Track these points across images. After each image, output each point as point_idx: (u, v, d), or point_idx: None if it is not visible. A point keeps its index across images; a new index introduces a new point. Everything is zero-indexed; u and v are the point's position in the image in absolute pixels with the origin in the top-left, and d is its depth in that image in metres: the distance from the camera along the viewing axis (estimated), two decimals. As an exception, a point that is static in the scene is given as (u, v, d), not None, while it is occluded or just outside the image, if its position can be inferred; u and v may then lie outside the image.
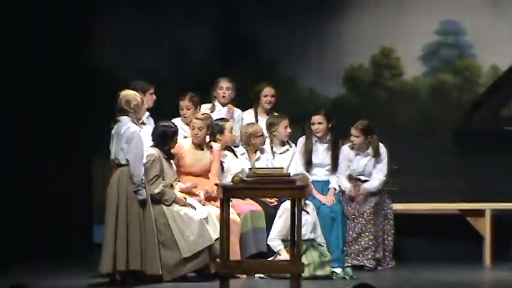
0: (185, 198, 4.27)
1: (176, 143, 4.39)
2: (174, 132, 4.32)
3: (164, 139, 4.29)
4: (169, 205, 4.23)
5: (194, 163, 4.52)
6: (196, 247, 4.20)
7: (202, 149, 4.53)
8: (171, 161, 4.39)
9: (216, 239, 4.02)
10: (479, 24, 5.49)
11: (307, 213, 4.37)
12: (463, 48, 5.55)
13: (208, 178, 4.51)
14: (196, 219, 4.23)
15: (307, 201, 4.42)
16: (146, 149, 4.18)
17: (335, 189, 4.77)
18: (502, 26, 5.50)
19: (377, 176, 4.81)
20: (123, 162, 4.05)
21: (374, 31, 5.50)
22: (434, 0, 5.58)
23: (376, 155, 4.77)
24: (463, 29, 5.51)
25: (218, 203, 4.00)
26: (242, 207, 4.51)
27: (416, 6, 5.57)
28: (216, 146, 4.60)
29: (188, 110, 4.67)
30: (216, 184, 4.13)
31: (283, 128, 4.69)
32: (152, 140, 4.29)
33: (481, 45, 5.50)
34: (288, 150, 4.77)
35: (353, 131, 4.71)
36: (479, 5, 5.56)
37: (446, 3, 5.57)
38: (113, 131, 4.15)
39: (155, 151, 4.27)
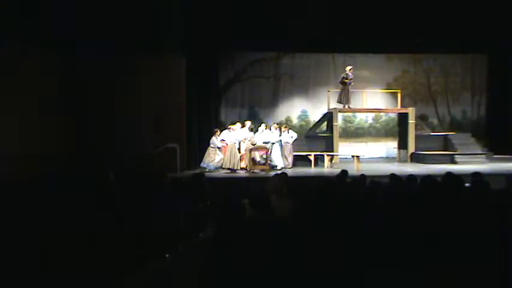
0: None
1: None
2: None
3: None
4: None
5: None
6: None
7: None
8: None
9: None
10: (311, 110, 20.21)
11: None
12: (306, 116, 19.83)
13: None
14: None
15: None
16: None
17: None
18: (317, 109, 20.40)
19: (288, 139, 15.94)
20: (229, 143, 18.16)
21: (286, 111, 20.27)
22: (297, 102, 19.75)
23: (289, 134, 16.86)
24: (306, 110, 20.20)
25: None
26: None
27: (293, 104, 19.97)
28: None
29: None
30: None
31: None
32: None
33: (312, 116, 19.65)
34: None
35: (282, 127, 16.36)
36: (312, 102, 20.41)
37: (301, 101, 19.80)
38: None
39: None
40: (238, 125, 14.98)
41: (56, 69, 13.16)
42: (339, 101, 17.32)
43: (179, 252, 3.26)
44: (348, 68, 17.28)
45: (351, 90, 17.28)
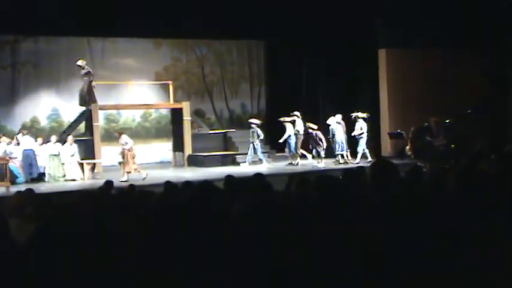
0: None
1: None
2: None
3: None
4: None
5: None
6: None
7: None
8: None
9: None
10: (64, 107, 16.67)
11: None
12: (58, 116, 16.66)
13: None
14: None
15: None
16: None
17: None
18: (72, 107, 16.83)
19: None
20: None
21: (31, 110, 16.27)
22: (46, 98, 16.50)
23: None
24: (57, 108, 16.72)
25: None
26: None
27: (40, 101, 16.45)
28: None
29: None
30: None
31: None
32: None
33: (66, 115, 16.62)
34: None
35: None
36: (65, 98, 16.86)
37: (51, 97, 16.57)
38: None
39: None
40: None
41: None
42: (82, 104, 15.45)
43: None
44: (80, 61, 15.33)
45: (93, 85, 15.49)
